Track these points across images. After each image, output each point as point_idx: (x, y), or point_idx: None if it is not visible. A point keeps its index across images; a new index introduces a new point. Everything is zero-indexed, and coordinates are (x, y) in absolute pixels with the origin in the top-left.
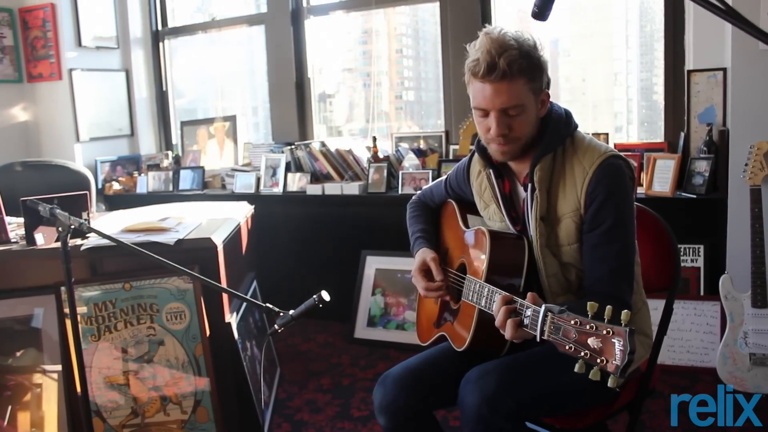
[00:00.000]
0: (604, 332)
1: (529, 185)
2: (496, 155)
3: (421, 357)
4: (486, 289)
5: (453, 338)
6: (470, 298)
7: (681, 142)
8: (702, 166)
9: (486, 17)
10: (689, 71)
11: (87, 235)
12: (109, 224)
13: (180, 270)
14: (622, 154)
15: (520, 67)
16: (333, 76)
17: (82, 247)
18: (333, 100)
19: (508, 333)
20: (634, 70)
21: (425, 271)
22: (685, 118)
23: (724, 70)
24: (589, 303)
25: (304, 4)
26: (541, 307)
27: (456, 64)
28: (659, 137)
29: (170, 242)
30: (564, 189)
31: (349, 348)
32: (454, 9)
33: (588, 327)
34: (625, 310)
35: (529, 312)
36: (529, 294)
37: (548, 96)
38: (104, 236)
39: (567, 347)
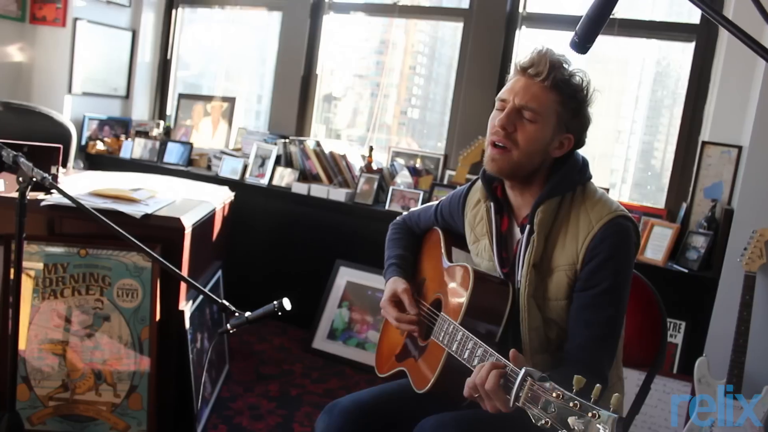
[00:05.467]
0: (589, 414)
1: (527, 227)
2: (487, 162)
3: (374, 391)
4: (460, 334)
5: (414, 377)
6: (440, 338)
7: (682, 213)
8: (699, 242)
9: (508, 49)
10: (704, 142)
11: (51, 191)
12: (80, 184)
13: (138, 246)
14: (632, 216)
15: (561, 80)
16: (343, 79)
17: (43, 203)
18: (338, 102)
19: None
20: (638, 131)
21: (396, 302)
22: (691, 189)
23: (740, 148)
24: (576, 377)
25: None
26: (521, 369)
27: (468, 89)
28: (651, 201)
29: (136, 215)
30: (564, 239)
31: (305, 357)
32: (477, 33)
33: (571, 404)
34: (616, 394)
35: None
36: (511, 351)
37: (570, 142)
38: (65, 195)
39: (544, 421)
